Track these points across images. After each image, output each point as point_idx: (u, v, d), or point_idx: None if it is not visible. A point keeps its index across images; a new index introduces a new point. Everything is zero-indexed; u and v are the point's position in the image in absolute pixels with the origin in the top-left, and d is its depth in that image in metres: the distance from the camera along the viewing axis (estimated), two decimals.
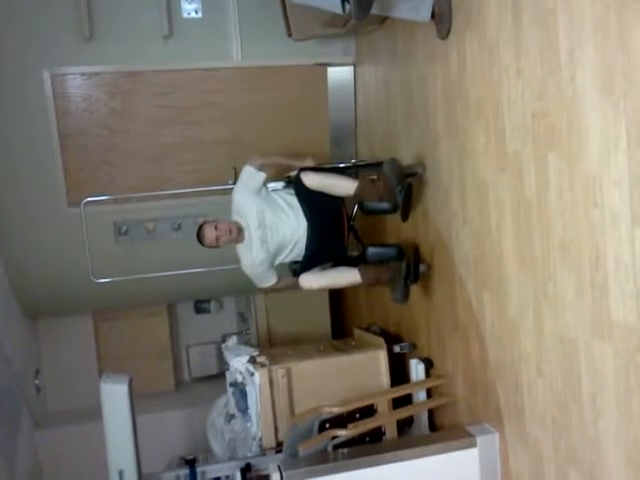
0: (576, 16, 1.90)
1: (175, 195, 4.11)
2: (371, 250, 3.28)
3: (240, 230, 3.22)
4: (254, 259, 3.26)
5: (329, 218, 3.25)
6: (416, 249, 3.26)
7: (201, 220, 3.52)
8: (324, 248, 3.25)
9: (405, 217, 3.14)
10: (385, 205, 3.11)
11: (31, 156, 3.90)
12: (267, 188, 3.37)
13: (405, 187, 3.02)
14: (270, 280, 3.36)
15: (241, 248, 3.29)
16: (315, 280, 3.22)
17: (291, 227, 3.22)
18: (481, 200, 2.62)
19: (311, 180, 3.15)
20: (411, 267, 3.06)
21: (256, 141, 4.09)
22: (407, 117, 3.40)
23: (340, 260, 3.31)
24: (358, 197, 3.18)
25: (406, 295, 3.08)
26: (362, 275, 3.19)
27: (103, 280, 4.00)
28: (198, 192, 4.11)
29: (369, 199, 3.15)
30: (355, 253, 3.41)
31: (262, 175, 3.29)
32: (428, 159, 3.14)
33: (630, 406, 1.84)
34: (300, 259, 3.30)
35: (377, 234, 3.91)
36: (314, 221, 3.20)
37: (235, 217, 3.28)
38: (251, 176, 3.29)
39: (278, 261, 3.33)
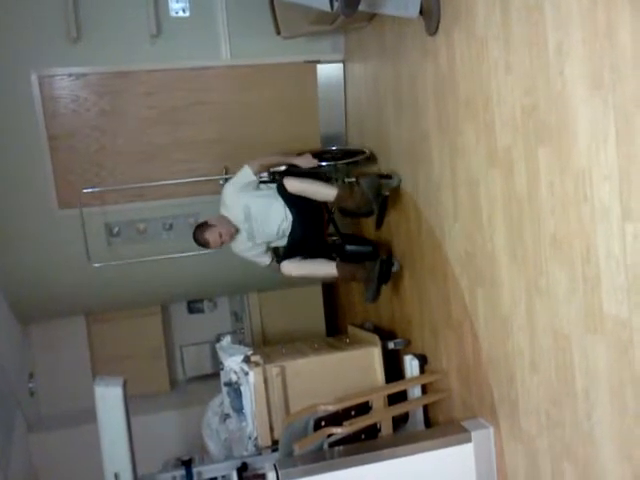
0: (564, 10, 1.90)
1: (166, 195, 4.11)
2: (349, 248, 3.63)
3: (237, 230, 3.51)
4: (242, 248, 3.59)
5: (310, 213, 3.53)
6: (389, 253, 3.49)
7: (192, 221, 3.63)
8: (306, 240, 3.52)
9: (378, 226, 3.48)
10: (361, 211, 3.42)
11: (20, 158, 3.87)
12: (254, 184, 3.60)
13: (381, 201, 3.32)
14: (264, 261, 3.66)
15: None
16: (295, 268, 3.46)
17: (276, 219, 3.49)
18: (472, 196, 2.62)
19: (292, 186, 3.41)
20: (383, 269, 3.34)
21: (247, 139, 4.08)
22: (397, 113, 3.40)
23: (321, 251, 3.58)
24: (337, 205, 3.52)
25: (377, 296, 3.37)
26: (339, 271, 3.46)
27: (99, 265, 4.03)
28: (189, 192, 4.10)
29: (347, 206, 3.46)
30: (334, 238, 3.79)
31: (255, 179, 3.56)
32: (419, 155, 3.14)
33: (624, 399, 1.85)
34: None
35: (362, 226, 4.06)
36: (296, 215, 3.48)
37: (223, 210, 3.55)
38: (245, 177, 3.54)
39: (271, 245, 3.63)
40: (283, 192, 3.42)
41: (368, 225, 3.91)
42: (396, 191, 3.45)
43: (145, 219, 4.17)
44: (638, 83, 1.65)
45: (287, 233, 3.51)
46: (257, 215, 3.47)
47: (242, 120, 4.14)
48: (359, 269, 3.42)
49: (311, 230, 3.54)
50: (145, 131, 4.03)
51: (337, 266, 3.45)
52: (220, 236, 3.44)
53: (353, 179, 3.78)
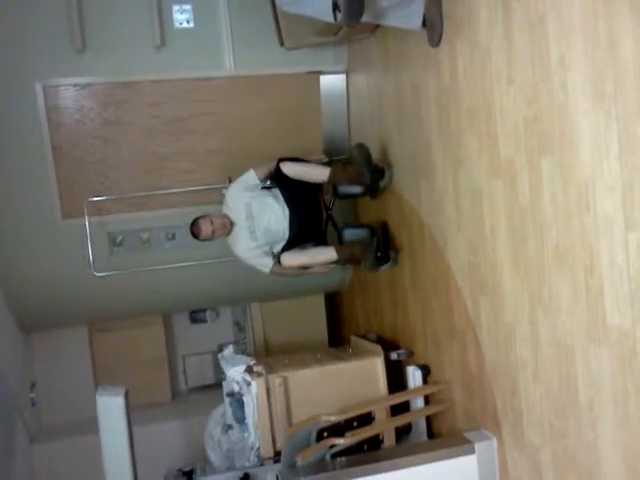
0: (566, 23, 1.92)
1: (169, 204, 4.11)
2: (347, 231, 3.63)
3: (232, 224, 3.61)
4: (244, 247, 3.64)
5: (308, 207, 3.63)
6: (384, 225, 3.52)
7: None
8: (303, 233, 3.61)
9: (374, 195, 3.51)
10: (357, 189, 3.50)
11: (24, 168, 3.87)
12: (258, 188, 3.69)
13: (372, 167, 3.41)
14: (267, 264, 3.64)
15: (231, 238, 3.66)
16: (295, 258, 3.54)
17: (276, 217, 3.59)
18: (475, 206, 2.62)
19: (288, 168, 3.53)
20: (380, 241, 3.43)
21: (250, 149, 4.09)
22: (400, 124, 3.41)
23: (319, 241, 3.68)
24: (331, 182, 3.55)
25: (376, 265, 3.47)
26: (338, 252, 3.55)
27: (102, 274, 4.01)
28: (192, 201, 4.11)
29: (341, 183, 3.53)
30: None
31: (259, 183, 3.67)
32: (421, 165, 3.15)
33: (627, 410, 1.84)
34: None
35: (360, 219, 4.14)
36: (295, 209, 3.57)
37: (225, 210, 3.66)
38: (250, 179, 3.66)
39: (275, 251, 3.64)
40: (280, 178, 3.52)
41: (366, 218, 3.98)
42: (398, 200, 3.46)
43: (148, 228, 4.17)
44: None
45: (287, 231, 3.59)
46: (258, 213, 3.59)
47: (245, 130, 4.15)
48: (356, 247, 3.56)
49: (308, 224, 3.63)
50: (149, 141, 4.04)
51: (336, 248, 3.56)
52: (211, 223, 3.53)
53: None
